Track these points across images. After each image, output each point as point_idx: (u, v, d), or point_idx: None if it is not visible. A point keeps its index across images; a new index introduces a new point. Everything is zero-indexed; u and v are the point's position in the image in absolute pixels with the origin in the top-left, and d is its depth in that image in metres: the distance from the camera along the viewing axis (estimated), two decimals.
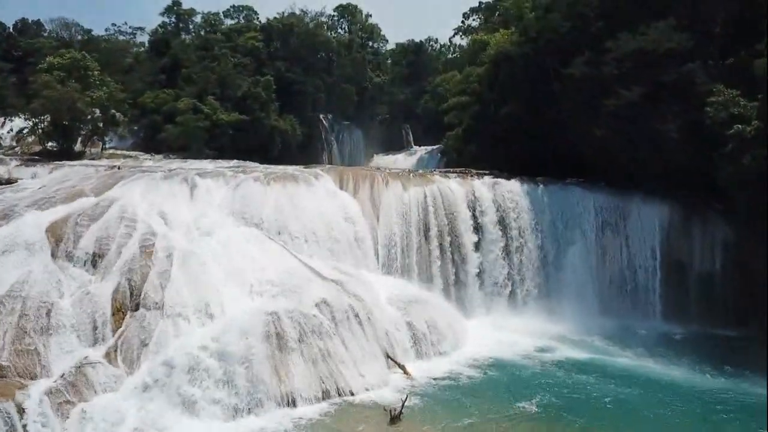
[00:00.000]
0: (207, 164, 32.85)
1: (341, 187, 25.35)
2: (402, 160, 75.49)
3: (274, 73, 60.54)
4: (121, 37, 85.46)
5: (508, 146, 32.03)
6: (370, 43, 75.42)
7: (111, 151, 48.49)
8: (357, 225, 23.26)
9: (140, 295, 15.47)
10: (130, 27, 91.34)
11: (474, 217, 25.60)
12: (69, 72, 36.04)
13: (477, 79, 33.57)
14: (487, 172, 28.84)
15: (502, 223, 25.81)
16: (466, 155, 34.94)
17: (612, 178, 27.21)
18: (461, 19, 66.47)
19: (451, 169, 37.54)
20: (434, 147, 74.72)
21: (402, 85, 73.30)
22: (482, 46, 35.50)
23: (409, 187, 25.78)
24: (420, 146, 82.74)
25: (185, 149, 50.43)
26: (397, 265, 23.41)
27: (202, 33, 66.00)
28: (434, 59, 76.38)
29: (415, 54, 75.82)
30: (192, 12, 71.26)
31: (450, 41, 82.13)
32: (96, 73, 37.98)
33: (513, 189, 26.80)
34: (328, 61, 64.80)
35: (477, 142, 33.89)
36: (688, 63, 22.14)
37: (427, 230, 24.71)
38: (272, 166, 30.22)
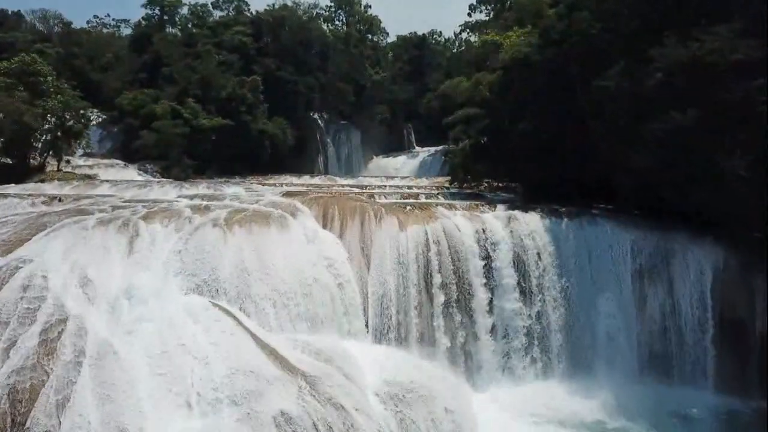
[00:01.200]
0: (171, 190, 28.37)
1: (324, 225, 20.90)
2: (403, 164, 70.89)
3: (263, 71, 55.96)
4: (105, 30, 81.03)
5: (523, 167, 27.61)
6: (370, 36, 70.52)
7: (81, 161, 44.14)
8: (342, 277, 18.83)
9: (26, 424, 11.05)
10: (113, 19, 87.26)
11: (486, 260, 21.13)
12: (18, 78, 31.49)
13: (488, 87, 28.90)
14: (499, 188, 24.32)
15: (520, 268, 21.33)
16: (474, 174, 30.44)
17: (648, 206, 22.75)
18: (467, 11, 61.42)
19: (460, 186, 33.33)
20: (438, 148, 70.03)
21: (404, 83, 68.58)
22: (494, 47, 30.77)
23: (407, 224, 21.30)
24: (423, 147, 78.29)
25: (164, 157, 46.00)
26: (392, 328, 19.00)
27: (189, 26, 61.06)
28: (439, 54, 71.59)
29: (417, 48, 71.02)
30: (178, 2, 66.39)
31: (455, 35, 77.51)
32: (50, 79, 33.34)
33: (532, 225, 22.30)
34: (322, 57, 60.03)
35: (487, 161, 29.34)
36: (758, 78, 17.46)
37: (429, 280, 20.29)
38: (243, 201, 25.66)
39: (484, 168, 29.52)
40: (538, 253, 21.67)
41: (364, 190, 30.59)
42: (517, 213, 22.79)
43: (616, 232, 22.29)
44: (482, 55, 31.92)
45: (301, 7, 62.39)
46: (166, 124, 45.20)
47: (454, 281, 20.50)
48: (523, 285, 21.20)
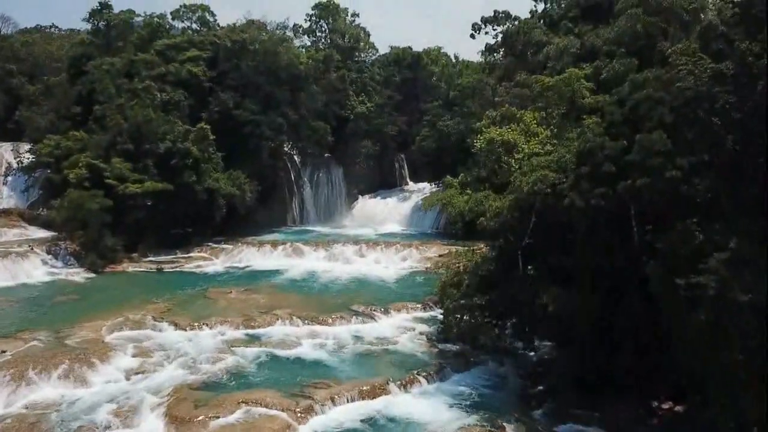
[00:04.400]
0: None
1: None
2: (393, 208, 60.59)
3: (220, 109, 45.67)
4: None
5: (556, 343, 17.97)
6: (356, 55, 59.75)
7: None
8: None
9: None
10: (58, 29, 76.52)
11: None
12: None
13: (495, 214, 18.97)
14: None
15: None
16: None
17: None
18: (471, 31, 50.75)
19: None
20: (433, 189, 59.61)
21: (394, 113, 58.15)
22: (503, 145, 20.69)
23: None
24: (417, 182, 67.83)
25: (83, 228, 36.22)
26: None
27: (134, 50, 50.31)
28: (437, 75, 60.76)
29: (411, 69, 60.28)
30: (128, 16, 55.61)
31: (456, 58, 66.50)
32: None
33: None
34: (293, 88, 49.49)
35: (501, 329, 19.47)
36: None
37: None
38: None
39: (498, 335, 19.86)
40: None
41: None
42: None
43: None
44: (489, 155, 21.77)
45: (269, 27, 51.80)
46: (81, 195, 35.23)
47: None
48: None
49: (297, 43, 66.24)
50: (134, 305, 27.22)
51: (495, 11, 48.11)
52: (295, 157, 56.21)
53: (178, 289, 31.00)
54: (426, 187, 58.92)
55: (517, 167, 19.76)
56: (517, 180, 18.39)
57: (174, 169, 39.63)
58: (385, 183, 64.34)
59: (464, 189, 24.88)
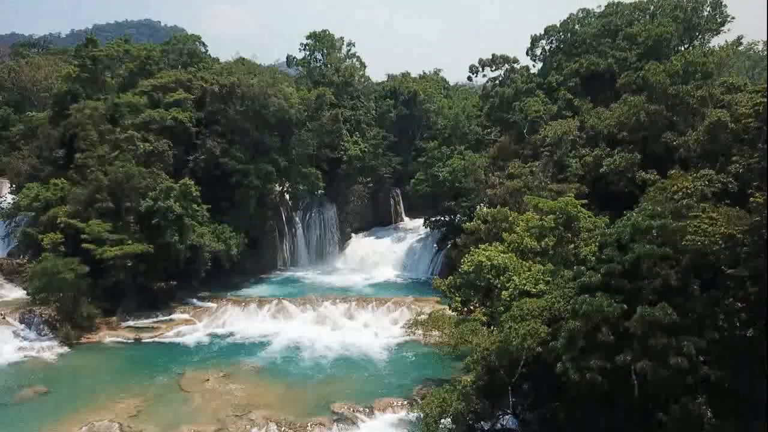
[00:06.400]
0: None
1: None
2: (387, 249, 58.58)
3: (206, 157, 44.00)
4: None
5: None
6: (351, 91, 57.76)
7: None
8: None
9: None
10: (47, 49, 74.57)
11: None
12: None
13: (482, 356, 17.38)
14: None
15: None
16: None
17: None
18: (468, 72, 49.06)
19: None
20: (429, 232, 57.26)
21: (389, 153, 56.45)
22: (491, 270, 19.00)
23: None
24: (413, 218, 65.87)
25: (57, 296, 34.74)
26: None
27: (117, 92, 48.56)
28: (434, 110, 58.89)
29: (406, 106, 58.49)
30: (116, 51, 53.86)
31: (455, 88, 64.64)
32: None
33: None
34: (283, 134, 47.76)
35: None
36: None
37: None
38: None
39: None
40: None
41: None
42: None
43: None
44: (473, 280, 20.05)
45: (258, 70, 49.64)
46: (55, 265, 33.58)
47: None
48: None
49: (292, 72, 64.96)
50: (102, 402, 25.67)
51: (493, 55, 46.56)
52: (287, 196, 54.45)
53: (153, 374, 29.37)
54: (420, 227, 56.89)
55: (508, 298, 18.08)
56: (506, 323, 16.73)
57: (156, 227, 37.97)
58: (379, 219, 62.51)
59: (455, 294, 23.08)
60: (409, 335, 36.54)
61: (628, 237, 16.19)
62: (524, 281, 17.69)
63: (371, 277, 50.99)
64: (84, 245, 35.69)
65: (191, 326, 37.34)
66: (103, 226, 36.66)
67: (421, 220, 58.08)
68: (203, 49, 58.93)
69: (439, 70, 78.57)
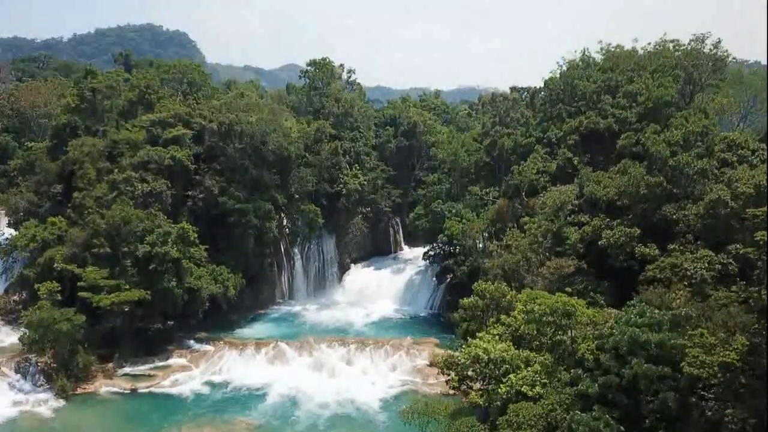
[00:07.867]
0: None
1: None
2: (384, 284, 57.87)
3: (204, 195, 43.84)
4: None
5: None
6: (350, 122, 57.43)
7: None
8: None
9: None
10: (44, 71, 74.17)
11: None
12: None
13: None
14: None
15: None
16: None
17: None
18: (465, 109, 48.94)
19: None
20: (429, 265, 56.69)
21: (388, 185, 56.36)
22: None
23: None
24: (412, 247, 65.48)
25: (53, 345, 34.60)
26: None
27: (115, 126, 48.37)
28: (431, 145, 58.67)
29: (406, 137, 58.37)
30: (114, 81, 53.58)
31: (456, 113, 64.43)
32: None
33: None
34: (282, 171, 47.62)
35: None
36: None
37: None
38: None
39: None
40: None
41: None
42: None
43: None
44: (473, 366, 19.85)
45: (259, 105, 49.44)
46: (51, 315, 33.40)
47: None
48: None
49: (293, 97, 64.70)
50: None
51: (493, 94, 46.52)
52: (286, 230, 54.15)
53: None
54: (420, 257, 56.49)
55: (504, 395, 17.85)
56: (503, 430, 16.49)
57: (153, 272, 37.79)
58: (378, 249, 62.18)
59: (450, 371, 22.88)
60: (407, 386, 36.64)
61: (626, 348, 16.00)
62: (521, 381, 17.51)
63: (370, 313, 50.62)
64: (80, 293, 35.54)
65: (188, 373, 37.13)
66: (100, 273, 36.51)
67: (421, 249, 57.56)
68: (206, 82, 58.88)
69: (439, 92, 78.91)
